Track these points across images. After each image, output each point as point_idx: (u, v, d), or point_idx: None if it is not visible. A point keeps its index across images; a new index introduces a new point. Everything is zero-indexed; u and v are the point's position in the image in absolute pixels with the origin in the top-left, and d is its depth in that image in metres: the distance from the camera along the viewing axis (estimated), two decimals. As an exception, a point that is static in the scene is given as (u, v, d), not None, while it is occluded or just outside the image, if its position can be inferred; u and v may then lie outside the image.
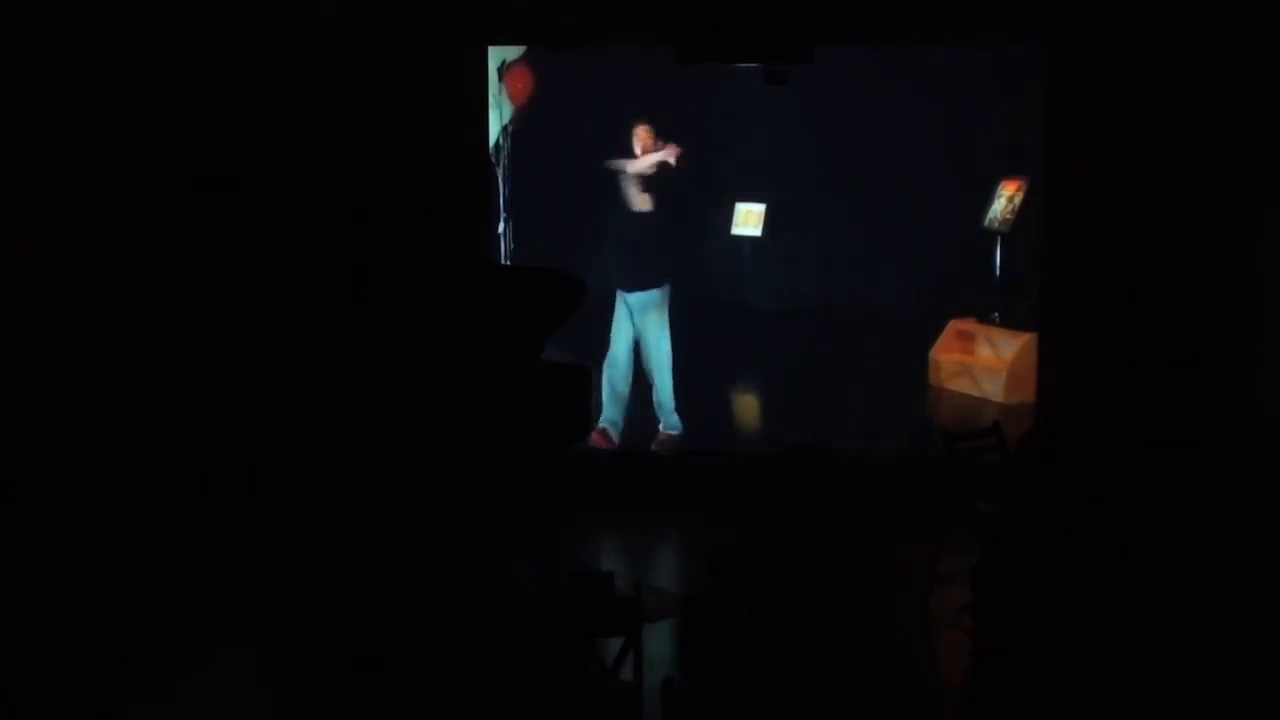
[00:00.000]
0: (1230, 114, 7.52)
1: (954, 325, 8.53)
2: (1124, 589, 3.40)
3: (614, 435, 8.65)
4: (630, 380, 8.64)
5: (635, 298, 8.59)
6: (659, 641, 4.97)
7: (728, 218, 8.60)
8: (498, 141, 8.55)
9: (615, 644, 4.84)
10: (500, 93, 8.53)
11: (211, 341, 7.96)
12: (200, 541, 5.34)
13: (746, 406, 8.92)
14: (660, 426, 8.66)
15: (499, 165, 8.57)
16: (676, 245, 8.60)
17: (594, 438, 8.39)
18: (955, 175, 8.26)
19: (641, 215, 8.54)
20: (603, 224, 8.58)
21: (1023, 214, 8.22)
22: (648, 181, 8.50)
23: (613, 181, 8.52)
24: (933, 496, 6.73)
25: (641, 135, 8.44)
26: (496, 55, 8.46)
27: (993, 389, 8.45)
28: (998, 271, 8.38)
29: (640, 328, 8.61)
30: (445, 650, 3.84)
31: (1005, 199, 8.30)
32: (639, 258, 8.59)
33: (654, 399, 8.65)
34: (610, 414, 8.62)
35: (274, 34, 7.93)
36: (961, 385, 8.55)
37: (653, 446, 8.67)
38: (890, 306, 8.46)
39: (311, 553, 4.71)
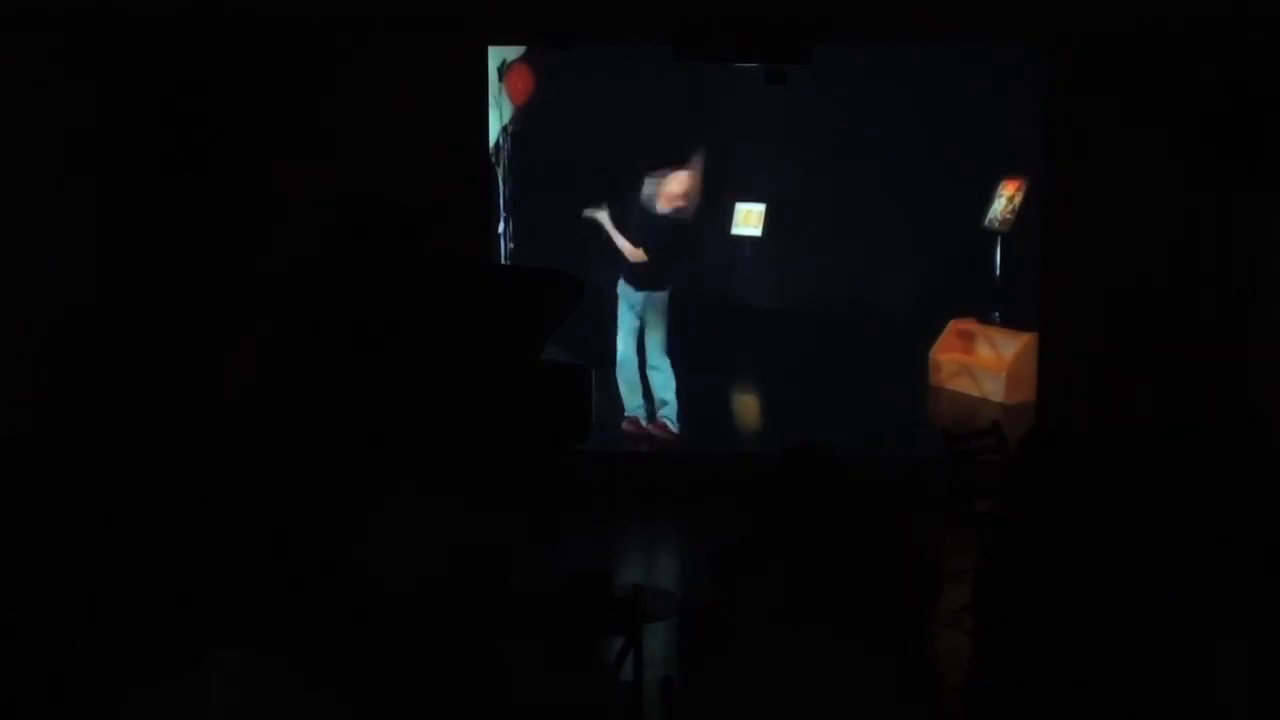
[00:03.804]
0: (1231, 113, 7.52)
1: (954, 325, 8.52)
2: (1123, 589, 3.40)
3: (643, 420, 8.71)
4: (640, 371, 8.72)
5: (645, 296, 8.64)
6: (659, 641, 4.97)
7: (728, 218, 8.60)
8: (498, 141, 8.55)
9: (615, 644, 4.85)
10: (500, 93, 8.53)
11: (212, 343, 7.96)
12: (200, 542, 5.34)
13: (746, 406, 8.92)
14: (658, 414, 8.69)
15: (499, 165, 8.57)
16: (685, 249, 8.67)
17: (629, 428, 8.69)
18: (955, 175, 8.26)
19: (659, 218, 8.61)
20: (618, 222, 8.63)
21: (1023, 214, 8.22)
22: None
23: (622, 183, 8.56)
24: (933, 496, 6.73)
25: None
26: (496, 55, 8.46)
27: (993, 389, 8.44)
28: (998, 271, 8.38)
29: (648, 324, 8.64)
30: (445, 650, 3.84)
31: (1005, 199, 8.30)
32: (657, 259, 8.65)
33: (654, 393, 8.68)
34: (634, 404, 8.71)
35: (273, 34, 7.93)
36: (961, 385, 8.55)
37: (651, 430, 8.71)
38: (890, 306, 8.46)
39: (312, 553, 4.71)
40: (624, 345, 8.70)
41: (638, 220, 8.59)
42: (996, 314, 8.45)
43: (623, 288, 8.67)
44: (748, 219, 8.58)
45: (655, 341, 8.68)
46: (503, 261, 8.54)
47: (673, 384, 8.68)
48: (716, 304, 8.66)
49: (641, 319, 8.68)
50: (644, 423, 8.74)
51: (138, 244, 7.89)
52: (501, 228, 8.58)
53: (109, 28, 7.58)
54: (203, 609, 4.11)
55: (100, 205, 7.76)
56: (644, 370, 8.71)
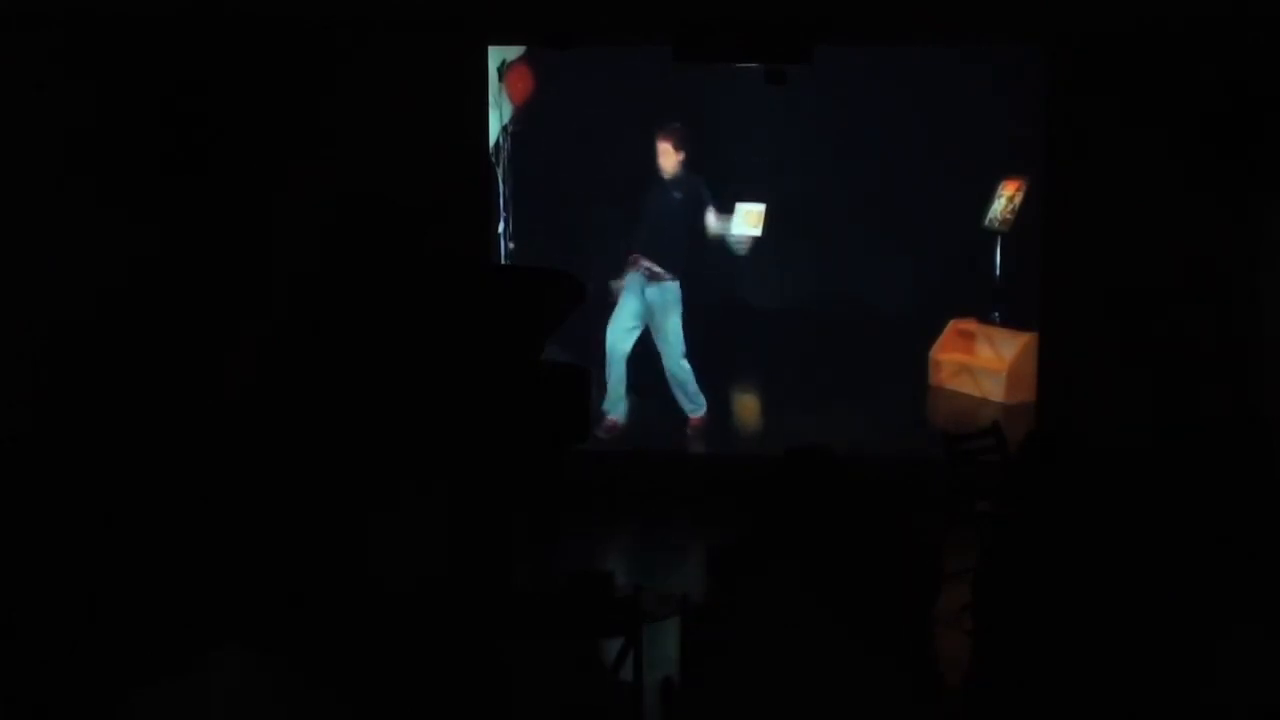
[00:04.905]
0: (1230, 113, 7.52)
1: (954, 325, 8.53)
2: (1123, 589, 3.40)
3: (618, 419, 8.68)
4: (626, 369, 8.68)
5: (656, 290, 8.61)
6: (659, 641, 4.97)
7: (728, 218, 8.61)
8: (498, 141, 8.55)
9: (616, 644, 4.85)
10: (500, 93, 8.53)
11: (213, 343, 7.96)
12: (201, 542, 5.34)
13: (746, 406, 8.92)
14: (689, 413, 8.67)
15: (499, 165, 8.57)
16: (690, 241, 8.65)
17: (607, 433, 8.62)
18: (955, 175, 8.26)
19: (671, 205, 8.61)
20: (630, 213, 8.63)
21: (1023, 214, 8.22)
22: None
23: (624, 180, 8.58)
24: (933, 496, 6.72)
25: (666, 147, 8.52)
26: (496, 55, 8.46)
27: (993, 389, 8.45)
28: (998, 271, 8.38)
29: (661, 322, 8.62)
30: (445, 650, 3.84)
31: (1005, 199, 8.30)
32: (670, 242, 8.61)
33: (677, 390, 8.65)
34: (613, 400, 8.66)
35: (273, 34, 7.93)
36: (961, 385, 8.55)
37: (688, 431, 8.67)
38: (890, 306, 8.46)
39: (311, 553, 4.71)
40: (615, 338, 8.63)
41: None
42: (996, 314, 8.46)
43: (631, 278, 8.62)
44: (748, 219, 8.58)
45: (675, 336, 8.63)
46: (503, 261, 8.54)
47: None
48: (716, 304, 8.66)
49: (648, 313, 8.65)
50: (619, 421, 8.68)
51: (137, 244, 7.88)
52: (501, 228, 8.58)
53: (109, 28, 7.58)
54: (203, 609, 4.11)
55: (100, 205, 7.76)
56: (629, 364, 8.68)
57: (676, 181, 8.56)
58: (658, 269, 8.57)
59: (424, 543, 5.02)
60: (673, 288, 8.61)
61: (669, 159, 8.52)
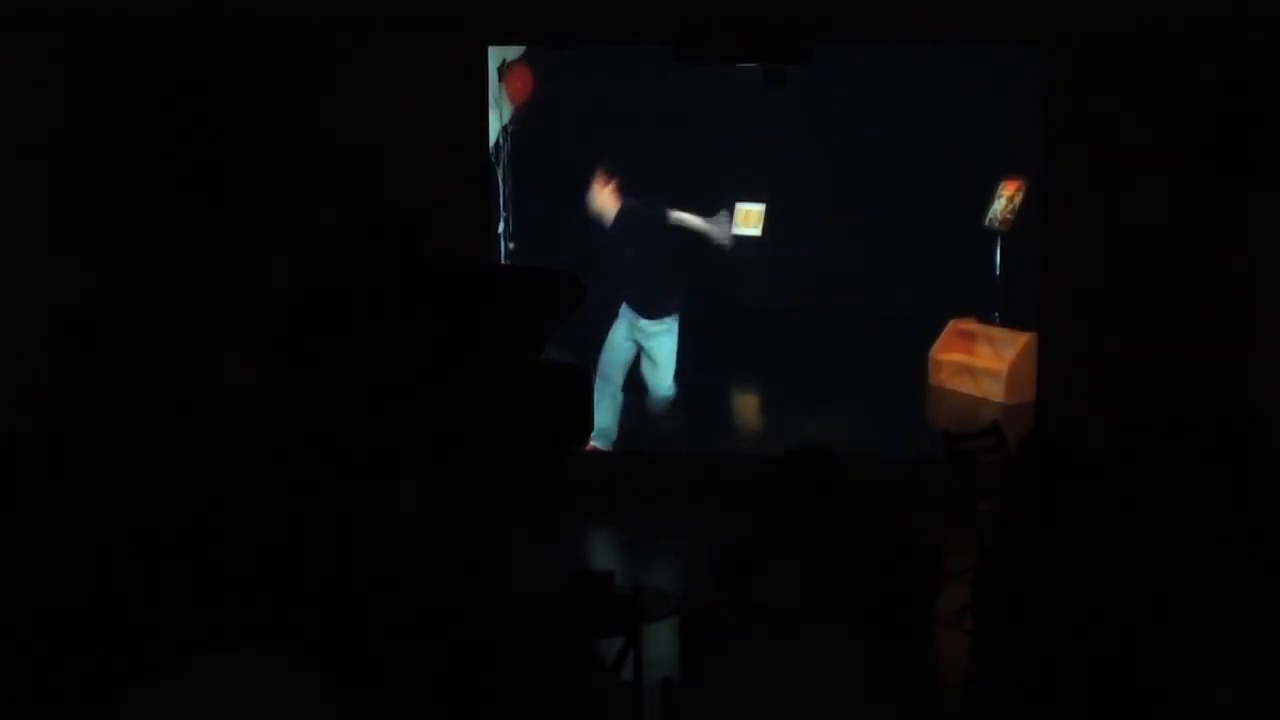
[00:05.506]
0: (1230, 113, 7.52)
1: (954, 325, 8.52)
2: (1123, 589, 3.40)
3: (603, 448, 8.57)
4: (623, 391, 8.63)
5: (649, 323, 8.59)
6: (659, 641, 4.98)
7: (728, 218, 8.60)
8: (498, 141, 8.55)
9: (616, 644, 4.85)
10: (500, 93, 8.53)
11: (212, 343, 7.96)
12: (201, 542, 5.34)
13: (746, 406, 8.92)
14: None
15: (499, 165, 8.57)
16: (692, 269, 8.60)
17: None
18: (955, 175, 8.25)
19: (660, 247, 8.55)
20: (617, 248, 8.59)
21: (1023, 214, 8.22)
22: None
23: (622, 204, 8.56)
24: (933, 496, 6.72)
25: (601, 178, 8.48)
26: (496, 55, 8.47)
27: (993, 389, 8.44)
28: (998, 271, 8.38)
29: (653, 349, 8.58)
30: (445, 649, 3.84)
31: (1005, 199, 8.30)
32: (660, 288, 8.58)
33: (652, 406, 8.64)
34: (604, 425, 8.48)
35: (273, 34, 7.93)
36: (961, 385, 8.55)
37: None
38: (890, 306, 8.45)
39: (311, 553, 4.71)
40: (610, 359, 8.61)
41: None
42: (996, 314, 8.45)
43: (626, 311, 8.61)
44: (748, 219, 8.58)
45: (667, 361, 8.61)
46: (503, 261, 8.54)
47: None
48: (717, 304, 8.66)
49: (641, 346, 8.61)
50: (606, 449, 8.57)
51: (138, 244, 7.88)
52: (501, 228, 8.58)
53: (109, 28, 7.58)
54: (203, 609, 4.11)
55: (100, 206, 7.76)
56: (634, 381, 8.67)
57: (627, 220, 8.50)
58: (651, 319, 8.56)
59: (425, 543, 5.02)
60: (668, 323, 8.59)
61: (604, 197, 8.48)
